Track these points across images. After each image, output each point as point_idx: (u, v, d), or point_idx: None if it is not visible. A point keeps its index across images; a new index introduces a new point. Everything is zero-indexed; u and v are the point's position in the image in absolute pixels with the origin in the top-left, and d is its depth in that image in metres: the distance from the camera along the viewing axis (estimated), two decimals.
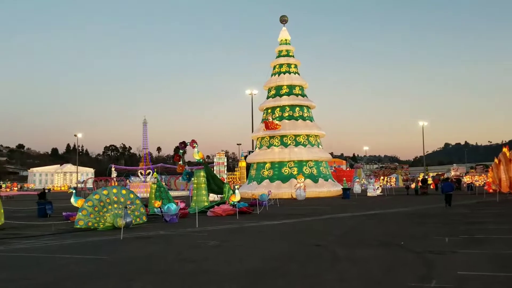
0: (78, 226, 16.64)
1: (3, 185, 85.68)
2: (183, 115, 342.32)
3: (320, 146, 42.92)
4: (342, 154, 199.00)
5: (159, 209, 20.02)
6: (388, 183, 67.64)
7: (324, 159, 42.47)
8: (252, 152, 49.29)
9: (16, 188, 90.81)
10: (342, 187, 39.23)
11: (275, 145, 41.44)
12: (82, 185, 66.28)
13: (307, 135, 41.48)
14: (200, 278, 8.18)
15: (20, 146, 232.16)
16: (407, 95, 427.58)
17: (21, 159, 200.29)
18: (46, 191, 36.77)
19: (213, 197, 30.93)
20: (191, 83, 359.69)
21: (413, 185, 43.81)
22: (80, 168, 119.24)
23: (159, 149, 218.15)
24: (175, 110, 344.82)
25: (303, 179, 36.82)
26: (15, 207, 26.56)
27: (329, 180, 41.32)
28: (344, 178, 45.49)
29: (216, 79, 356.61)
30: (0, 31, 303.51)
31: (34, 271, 9.16)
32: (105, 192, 17.56)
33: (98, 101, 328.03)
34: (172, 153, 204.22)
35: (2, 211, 18.56)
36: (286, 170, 40.14)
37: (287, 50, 44.26)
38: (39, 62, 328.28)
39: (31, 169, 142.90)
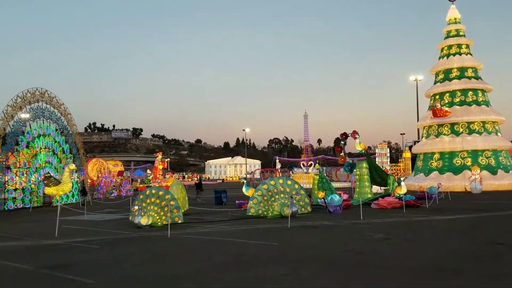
0: (249, 214, 18.00)
1: (186, 176, 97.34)
2: (343, 106, 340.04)
3: (498, 134, 38.15)
4: None
5: (322, 199, 20.37)
6: None
7: (503, 148, 37.61)
8: (418, 142, 46.33)
9: (196, 178, 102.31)
10: None
11: (444, 134, 38.29)
12: (251, 175, 71.23)
13: (482, 121, 37.28)
14: (366, 270, 8.12)
15: (198, 141, 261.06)
16: None
17: (199, 152, 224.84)
18: (203, 180, 40.35)
19: (376, 189, 30.15)
20: (350, 72, 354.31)
21: None
22: (249, 160, 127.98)
23: (319, 141, 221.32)
24: (335, 101, 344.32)
25: (478, 171, 33.30)
26: (196, 195, 29.96)
27: (510, 171, 36.46)
28: None
29: (377, 66, 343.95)
30: (194, 30, 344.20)
31: (214, 253, 10.26)
32: (272, 182, 18.61)
33: (263, 97, 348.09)
34: (332, 144, 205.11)
35: (186, 198, 21.21)
36: (458, 161, 36.79)
37: (456, 30, 40.34)
38: (216, 64, 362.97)
39: (207, 161, 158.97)
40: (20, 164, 25.03)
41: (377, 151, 40.42)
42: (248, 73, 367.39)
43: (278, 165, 66.87)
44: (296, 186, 18.90)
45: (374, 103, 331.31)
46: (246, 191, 22.17)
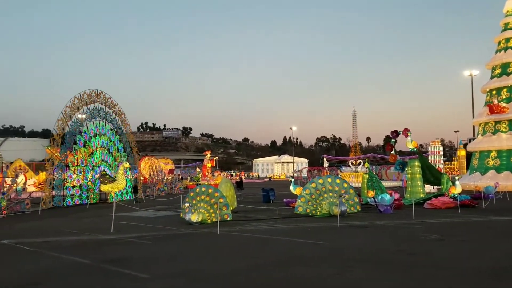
0: (297, 212, 17.95)
1: (233, 174, 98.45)
2: (393, 103, 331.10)
3: None
4: None
5: (372, 199, 19.95)
6: None
7: None
8: (474, 139, 44.31)
9: (243, 177, 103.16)
10: None
11: (502, 131, 36.35)
12: (298, 174, 70.95)
13: None
14: (420, 271, 7.88)
15: (245, 139, 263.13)
16: None
17: (246, 150, 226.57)
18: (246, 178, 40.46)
19: (429, 188, 29.17)
20: (401, 68, 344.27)
21: None
22: (296, 159, 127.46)
23: (368, 139, 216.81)
24: (385, 98, 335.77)
25: None
26: (244, 193, 30.24)
27: None
28: None
29: (429, 61, 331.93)
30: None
31: (264, 251, 10.32)
32: (320, 181, 18.45)
33: (311, 95, 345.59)
34: (381, 142, 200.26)
35: (235, 196, 21.45)
36: None
37: None
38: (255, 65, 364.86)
39: (255, 160, 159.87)
40: (77, 163, 26.30)
41: (429, 149, 38.81)
42: (295, 70, 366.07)
43: (326, 164, 66.17)
44: (345, 185, 18.63)
45: (426, 100, 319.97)
46: (293, 189, 22.11)
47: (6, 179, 20.80)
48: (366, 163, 35.65)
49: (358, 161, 56.10)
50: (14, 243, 11.88)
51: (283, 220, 16.43)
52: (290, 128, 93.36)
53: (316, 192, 17.95)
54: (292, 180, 23.75)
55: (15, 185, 20.74)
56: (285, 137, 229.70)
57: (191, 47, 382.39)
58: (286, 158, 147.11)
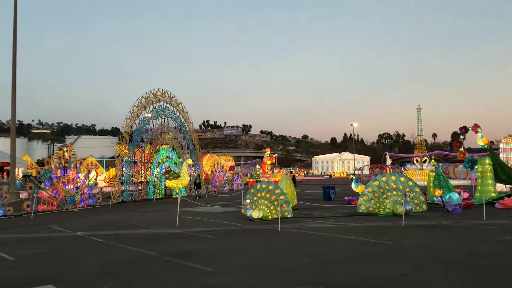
0: (360, 211, 17.60)
1: (293, 171, 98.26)
2: (460, 97, 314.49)
3: None
4: None
5: (439, 198, 19.11)
6: None
7: None
8: None
9: (303, 174, 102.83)
10: None
11: None
12: (359, 171, 69.48)
13: None
14: (493, 274, 7.45)
15: (305, 136, 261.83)
16: None
17: (305, 148, 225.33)
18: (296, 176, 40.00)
19: (500, 187, 27.46)
20: (469, 60, 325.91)
21: None
22: (357, 156, 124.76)
23: (434, 135, 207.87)
24: (452, 92, 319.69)
25: None
26: (304, 190, 30.13)
27: None
28: None
29: (497, 55, 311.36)
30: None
31: (326, 249, 10.23)
32: (383, 179, 17.96)
33: (373, 90, 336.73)
34: (448, 139, 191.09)
35: (295, 193, 21.41)
36: None
37: None
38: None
39: (314, 157, 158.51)
40: (144, 159, 27.49)
41: (501, 146, 36.47)
42: (357, 66, 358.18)
43: (389, 161, 64.27)
44: (410, 183, 18.00)
45: (497, 94, 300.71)
46: (355, 187, 21.72)
47: (79, 174, 22.14)
48: (433, 160, 34.10)
49: (424, 158, 53.93)
50: (87, 235, 12.65)
51: (345, 218, 16.18)
52: (351, 125, 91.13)
53: (379, 190, 17.50)
54: (354, 177, 23.33)
55: (87, 180, 22.06)
56: (345, 134, 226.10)
57: (251, 46, 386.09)
58: (346, 155, 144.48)
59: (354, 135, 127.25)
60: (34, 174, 42.92)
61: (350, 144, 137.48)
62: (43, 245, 11.15)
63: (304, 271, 7.94)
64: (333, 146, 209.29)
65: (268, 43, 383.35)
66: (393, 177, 18.10)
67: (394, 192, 17.29)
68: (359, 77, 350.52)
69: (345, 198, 22.94)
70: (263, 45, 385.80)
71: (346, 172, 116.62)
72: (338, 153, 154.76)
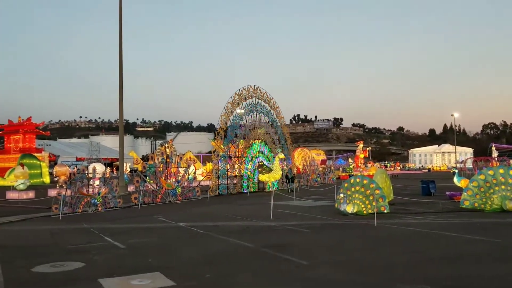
0: (463, 206, 16.48)
1: (388, 165, 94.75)
2: None
3: None
4: None
5: None
6: None
7: None
8: None
9: (399, 168, 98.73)
10: None
11: None
12: (461, 165, 64.86)
13: None
14: None
15: (400, 128, 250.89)
16: None
17: (401, 140, 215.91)
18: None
19: None
20: None
21: None
22: (458, 148, 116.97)
23: None
24: None
25: None
26: (400, 185, 28.91)
27: None
28: None
29: None
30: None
31: (426, 246, 9.77)
32: (490, 172, 16.59)
33: (475, 77, 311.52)
34: None
35: (391, 188, 20.65)
36: None
37: None
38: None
39: (411, 149, 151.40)
40: (238, 154, 28.38)
41: None
42: (455, 49, 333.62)
43: (495, 153, 59.07)
44: None
45: None
46: (458, 181, 20.38)
47: (180, 169, 23.50)
48: None
49: None
50: (189, 226, 13.42)
51: (447, 214, 15.27)
52: (451, 115, 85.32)
53: (485, 185, 16.22)
54: (456, 171, 21.92)
55: (187, 174, 23.35)
56: (445, 125, 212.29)
57: (341, 34, 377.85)
58: (446, 147, 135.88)
59: (455, 126, 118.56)
60: (140, 169, 46.51)
61: (451, 135, 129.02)
62: (150, 234, 12.07)
63: (405, 268, 7.68)
64: (432, 138, 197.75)
65: (360, 29, 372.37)
66: (501, 170, 16.64)
67: (503, 187, 15.91)
68: (460, 62, 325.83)
69: (447, 193, 21.63)
70: (354, 33, 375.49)
71: (447, 166, 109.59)
72: (437, 146, 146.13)
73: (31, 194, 25.32)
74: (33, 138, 50.26)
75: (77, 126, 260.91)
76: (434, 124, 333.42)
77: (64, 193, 16.87)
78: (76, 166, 45.36)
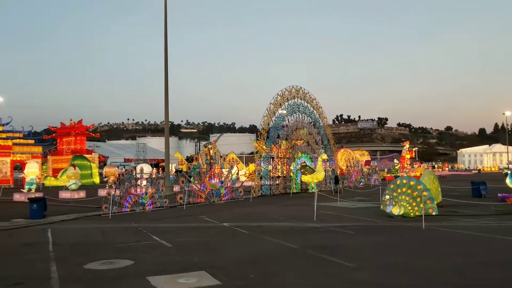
0: None
1: (435, 166, 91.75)
2: None
3: None
4: None
5: None
6: None
7: None
8: None
9: (447, 168, 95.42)
10: None
11: None
12: None
13: None
14: None
15: (448, 128, 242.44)
16: None
17: (449, 140, 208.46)
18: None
19: None
20: None
21: None
22: (510, 148, 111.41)
23: None
24: None
25: None
26: (449, 186, 27.91)
27: None
28: None
29: None
30: None
31: (477, 250, 9.41)
32: None
33: None
34: None
35: (439, 189, 19.98)
36: None
37: None
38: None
39: (460, 150, 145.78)
40: (281, 154, 28.37)
41: None
42: (506, 47, 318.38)
43: None
44: None
45: None
46: (510, 182, 19.43)
47: (223, 170, 23.80)
48: None
49: None
50: (233, 226, 13.57)
51: (499, 217, 14.64)
52: (503, 113, 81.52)
53: None
54: (509, 172, 20.93)
55: (230, 175, 23.60)
56: (496, 124, 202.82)
57: (387, 37, 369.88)
58: (498, 147, 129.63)
59: (507, 125, 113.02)
60: (184, 170, 47.44)
61: (502, 135, 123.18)
62: (195, 234, 12.32)
63: (455, 272, 7.44)
64: (482, 138, 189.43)
65: (407, 27, 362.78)
66: None
67: None
68: (507, 56, 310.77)
69: (499, 194, 20.66)
70: (402, 31, 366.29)
71: (498, 167, 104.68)
72: (488, 146, 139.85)
73: (82, 194, 26.38)
74: (84, 140, 52.29)
75: (125, 128, 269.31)
76: (484, 123, 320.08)
77: (113, 193, 17.49)
78: (124, 167, 46.96)
